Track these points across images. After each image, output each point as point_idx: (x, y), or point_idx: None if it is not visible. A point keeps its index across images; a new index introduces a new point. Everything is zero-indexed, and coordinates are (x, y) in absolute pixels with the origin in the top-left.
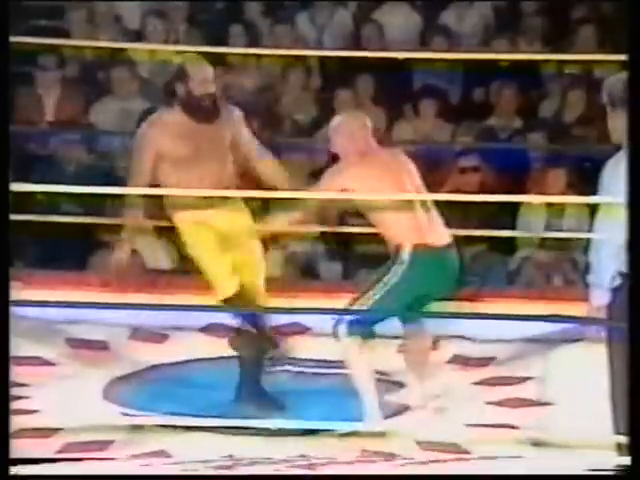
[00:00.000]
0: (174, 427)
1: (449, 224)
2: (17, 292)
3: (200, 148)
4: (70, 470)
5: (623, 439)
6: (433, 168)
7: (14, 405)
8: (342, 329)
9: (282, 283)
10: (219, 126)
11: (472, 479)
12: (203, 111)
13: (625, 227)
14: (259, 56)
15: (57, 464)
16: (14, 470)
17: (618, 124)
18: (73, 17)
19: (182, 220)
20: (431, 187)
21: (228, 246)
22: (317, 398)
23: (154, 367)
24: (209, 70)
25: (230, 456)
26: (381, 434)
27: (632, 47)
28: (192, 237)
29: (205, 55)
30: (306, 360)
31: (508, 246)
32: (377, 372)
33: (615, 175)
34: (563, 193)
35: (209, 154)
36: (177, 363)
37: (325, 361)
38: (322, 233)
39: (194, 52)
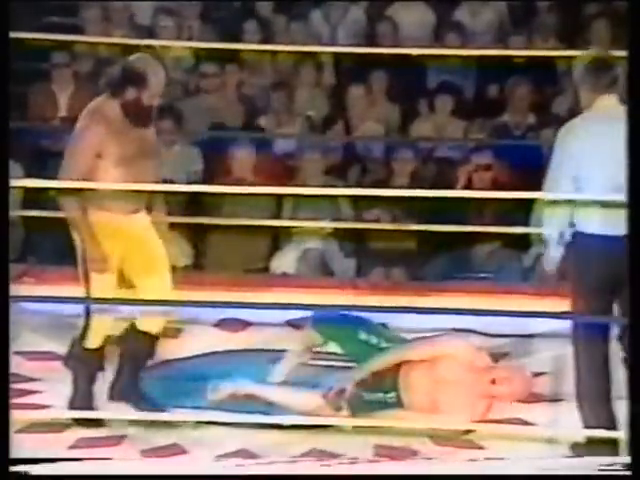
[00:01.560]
0: (187, 422)
1: (463, 221)
2: (30, 288)
3: (134, 149)
4: (75, 468)
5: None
6: (447, 165)
7: (27, 400)
8: None
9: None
10: (149, 129)
11: (481, 478)
12: (142, 118)
13: (626, 226)
14: (273, 53)
15: (61, 463)
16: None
17: (585, 97)
18: (87, 14)
19: (100, 218)
20: (445, 184)
21: (135, 246)
22: None
23: (167, 362)
24: (163, 79)
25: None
26: (393, 429)
27: (632, 45)
28: (104, 237)
29: (218, 52)
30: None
31: (522, 243)
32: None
33: (568, 134)
34: None
35: (141, 155)
36: (190, 357)
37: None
38: (335, 229)
39: (154, 58)
